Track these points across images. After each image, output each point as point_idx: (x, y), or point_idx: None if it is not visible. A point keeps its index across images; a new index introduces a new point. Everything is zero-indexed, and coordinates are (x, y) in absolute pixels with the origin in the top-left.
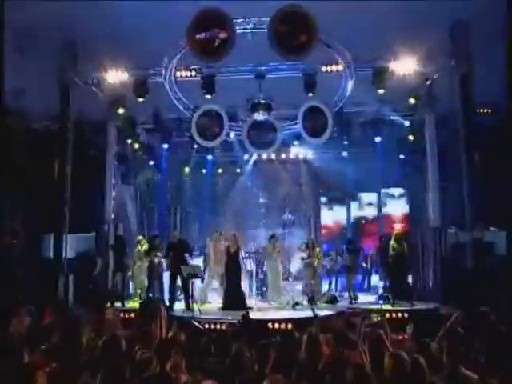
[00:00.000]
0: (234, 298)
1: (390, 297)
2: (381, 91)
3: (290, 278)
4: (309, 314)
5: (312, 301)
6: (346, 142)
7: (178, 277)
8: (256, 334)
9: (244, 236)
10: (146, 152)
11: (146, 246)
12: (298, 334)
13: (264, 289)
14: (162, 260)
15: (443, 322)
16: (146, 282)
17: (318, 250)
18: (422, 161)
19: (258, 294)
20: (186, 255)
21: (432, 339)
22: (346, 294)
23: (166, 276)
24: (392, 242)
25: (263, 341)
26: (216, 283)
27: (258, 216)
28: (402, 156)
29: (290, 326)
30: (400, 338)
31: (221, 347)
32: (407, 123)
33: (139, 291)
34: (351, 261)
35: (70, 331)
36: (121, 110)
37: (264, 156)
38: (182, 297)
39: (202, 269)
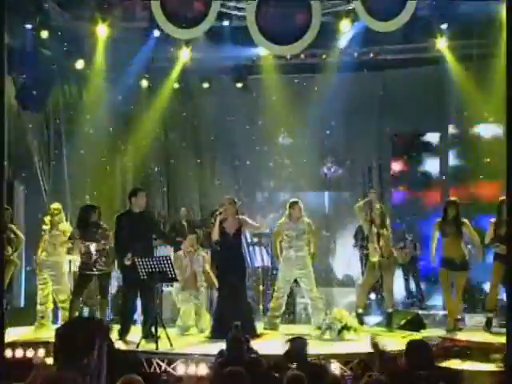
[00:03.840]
0: (231, 318)
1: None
2: None
3: (334, 283)
4: (367, 346)
5: (388, 321)
6: (442, 31)
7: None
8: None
9: (250, 206)
10: (67, 47)
11: (66, 226)
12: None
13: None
14: (106, 247)
15: None
16: (69, 292)
17: (385, 230)
18: None
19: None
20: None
21: None
22: (442, 312)
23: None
24: None
25: None
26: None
27: (276, 169)
28: None
29: (334, 367)
30: None
31: None
32: None
33: (48, 306)
34: (452, 245)
35: None
36: None
37: (286, 57)
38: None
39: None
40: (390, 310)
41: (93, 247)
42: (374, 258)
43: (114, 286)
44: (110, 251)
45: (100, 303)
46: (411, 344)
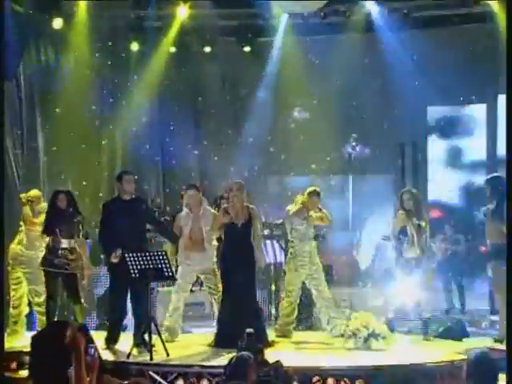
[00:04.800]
0: (238, 324)
1: None
2: None
3: (359, 282)
4: (400, 358)
5: (425, 328)
6: None
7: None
8: None
9: (260, 192)
10: (42, 2)
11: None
12: None
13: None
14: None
15: None
16: (43, 294)
17: (422, 222)
18: None
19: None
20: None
21: None
22: (491, 319)
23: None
24: None
25: None
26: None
27: (290, 148)
28: None
29: None
30: None
31: None
32: None
33: (22, 310)
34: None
35: None
36: None
37: (303, 15)
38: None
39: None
40: (426, 315)
41: (62, 241)
42: (410, 254)
43: (100, 287)
44: (81, 249)
45: (73, 310)
46: (473, 355)
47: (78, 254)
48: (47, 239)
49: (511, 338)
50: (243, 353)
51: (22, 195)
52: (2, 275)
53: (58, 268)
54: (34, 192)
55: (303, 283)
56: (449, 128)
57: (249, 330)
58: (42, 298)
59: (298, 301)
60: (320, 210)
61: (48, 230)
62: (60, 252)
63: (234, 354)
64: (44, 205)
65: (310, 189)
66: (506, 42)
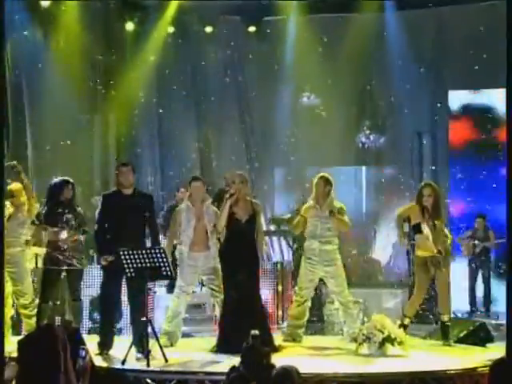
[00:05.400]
0: (241, 327)
1: None
2: None
3: (374, 283)
4: (417, 364)
5: (444, 333)
6: None
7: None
8: None
9: (265, 185)
10: None
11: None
12: None
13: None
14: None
15: None
16: (33, 295)
17: (438, 219)
18: None
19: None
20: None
21: None
22: None
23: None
24: None
25: None
26: (203, 294)
27: (299, 137)
28: None
29: None
30: None
31: None
32: None
33: (7, 312)
34: None
35: None
36: None
37: None
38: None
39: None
40: (445, 319)
41: (63, 235)
42: (425, 253)
43: (93, 286)
44: (83, 244)
45: (72, 308)
46: (498, 365)
47: (80, 247)
48: (40, 233)
49: (511, 339)
50: (284, 365)
51: (9, 163)
52: (1, 275)
53: (63, 265)
54: (15, 185)
55: (321, 281)
56: (471, 114)
57: (254, 332)
58: (28, 300)
59: (309, 303)
60: (342, 215)
61: (48, 221)
62: (65, 246)
63: (236, 359)
64: (25, 198)
65: (316, 176)
66: (506, 42)
